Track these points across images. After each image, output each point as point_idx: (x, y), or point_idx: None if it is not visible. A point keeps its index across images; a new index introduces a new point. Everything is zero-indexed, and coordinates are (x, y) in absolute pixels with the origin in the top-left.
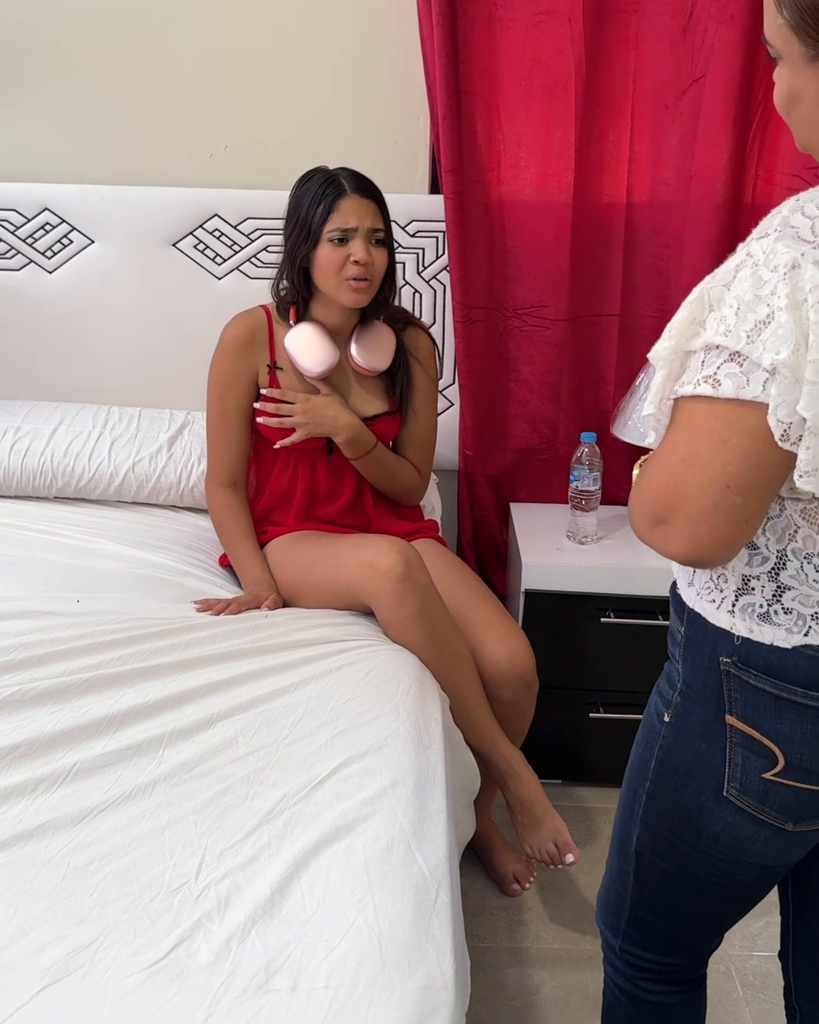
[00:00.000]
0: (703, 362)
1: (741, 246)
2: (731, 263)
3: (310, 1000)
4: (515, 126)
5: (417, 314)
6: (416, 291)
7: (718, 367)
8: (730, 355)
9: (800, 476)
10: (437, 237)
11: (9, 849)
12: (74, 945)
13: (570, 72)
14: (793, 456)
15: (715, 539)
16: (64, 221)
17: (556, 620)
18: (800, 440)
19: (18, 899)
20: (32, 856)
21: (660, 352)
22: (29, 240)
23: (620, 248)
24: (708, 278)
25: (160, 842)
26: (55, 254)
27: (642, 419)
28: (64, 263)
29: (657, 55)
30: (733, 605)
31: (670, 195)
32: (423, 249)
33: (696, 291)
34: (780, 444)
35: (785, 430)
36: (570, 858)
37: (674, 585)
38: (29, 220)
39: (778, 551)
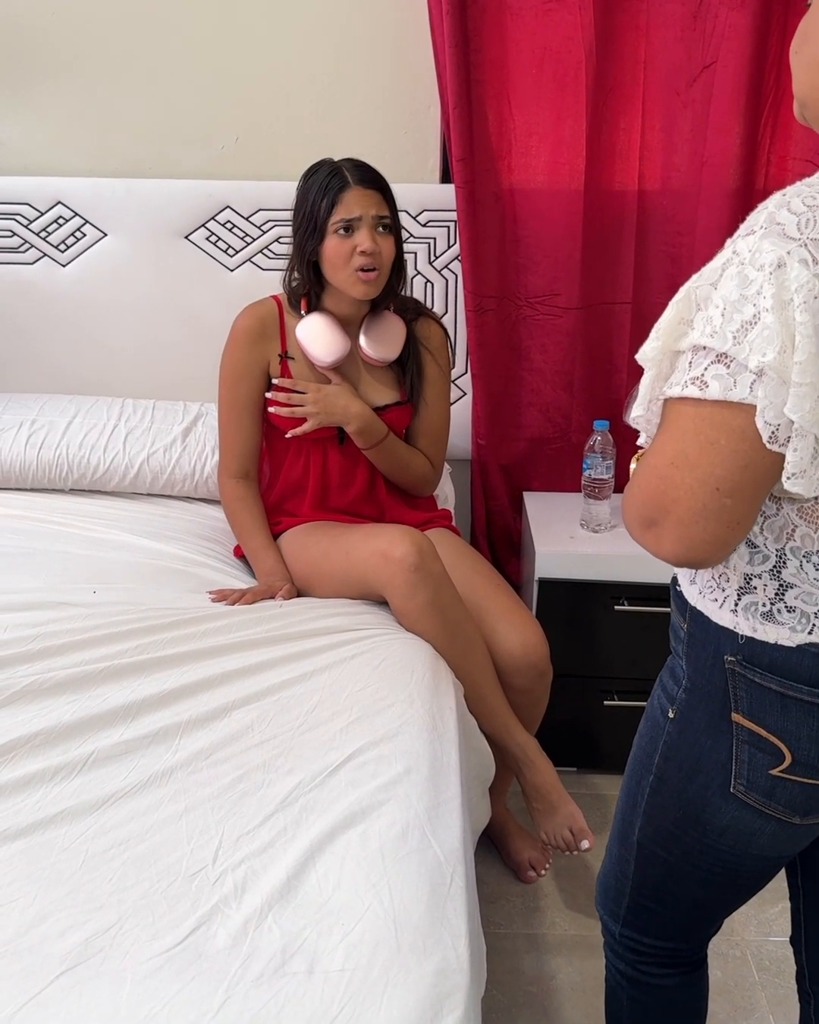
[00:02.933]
0: (691, 363)
1: (728, 242)
2: (718, 261)
3: (326, 982)
4: (526, 114)
5: (429, 304)
6: (428, 281)
7: (705, 368)
8: (717, 356)
9: (788, 478)
10: (448, 226)
11: (28, 836)
12: (93, 930)
13: (580, 60)
14: (782, 457)
15: (706, 541)
16: (77, 214)
17: (570, 608)
18: (788, 442)
19: (37, 885)
20: (51, 843)
21: (647, 353)
22: (42, 234)
23: (632, 236)
24: (695, 276)
25: (177, 828)
26: (68, 247)
27: (632, 421)
28: (77, 256)
29: (667, 42)
30: (736, 604)
31: (682, 182)
32: (434, 239)
33: (683, 290)
34: (768, 446)
35: (773, 432)
36: (585, 844)
37: (675, 580)
38: (42, 214)
39: (777, 550)
